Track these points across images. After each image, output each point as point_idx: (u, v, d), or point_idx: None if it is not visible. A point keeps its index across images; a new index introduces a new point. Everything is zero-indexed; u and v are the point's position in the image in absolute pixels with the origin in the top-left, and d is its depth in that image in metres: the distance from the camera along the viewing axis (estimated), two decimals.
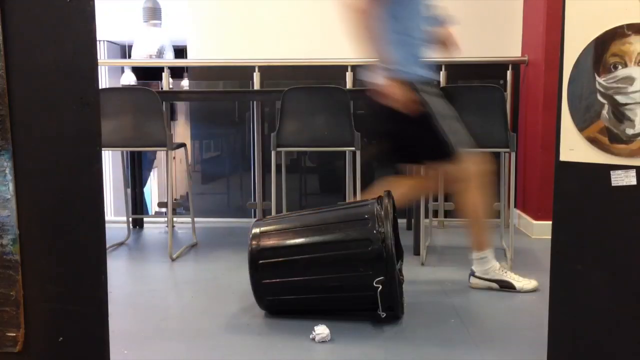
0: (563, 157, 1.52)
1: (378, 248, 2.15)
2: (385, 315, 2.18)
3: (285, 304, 2.31)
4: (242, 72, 4.16)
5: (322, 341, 2.06)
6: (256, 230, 2.30)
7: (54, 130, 1.19)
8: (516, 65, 3.99)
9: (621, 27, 1.42)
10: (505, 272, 2.61)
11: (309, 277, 2.23)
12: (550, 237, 1.57)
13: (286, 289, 2.27)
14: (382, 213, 2.21)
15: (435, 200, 3.95)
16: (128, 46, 7.01)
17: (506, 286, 2.58)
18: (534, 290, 2.55)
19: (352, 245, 2.21)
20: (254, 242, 2.26)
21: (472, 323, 2.24)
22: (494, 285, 2.59)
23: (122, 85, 7.05)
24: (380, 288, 2.13)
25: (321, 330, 2.09)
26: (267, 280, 2.25)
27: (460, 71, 4.12)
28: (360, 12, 2.30)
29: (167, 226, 3.39)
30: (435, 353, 2.00)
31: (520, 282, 2.58)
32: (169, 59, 5.57)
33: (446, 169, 2.47)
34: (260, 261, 2.24)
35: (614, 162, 1.45)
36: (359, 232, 2.21)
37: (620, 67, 1.43)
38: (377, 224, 2.19)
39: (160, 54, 5.51)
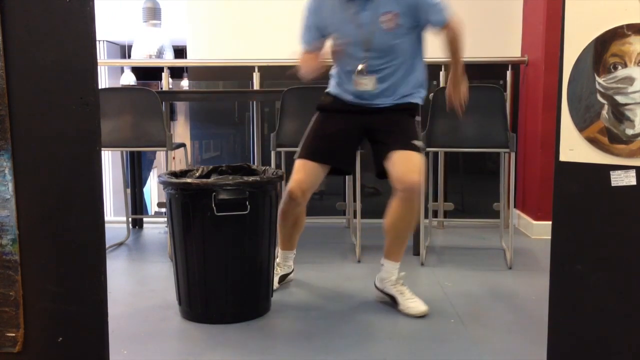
0: (563, 157, 1.52)
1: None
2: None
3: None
4: (241, 72, 4.16)
5: None
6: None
7: (54, 130, 1.19)
8: (516, 65, 3.98)
9: (621, 27, 1.42)
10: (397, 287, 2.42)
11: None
12: (550, 237, 1.57)
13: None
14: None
15: (435, 200, 3.95)
16: (128, 46, 7.01)
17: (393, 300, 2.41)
18: (421, 315, 2.31)
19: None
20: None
21: (471, 323, 2.24)
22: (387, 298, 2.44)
23: (122, 85, 7.04)
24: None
25: None
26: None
27: None
28: None
29: (167, 226, 3.39)
30: (435, 353, 2.00)
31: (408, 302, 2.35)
32: (169, 59, 5.57)
33: None
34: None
35: (614, 162, 1.45)
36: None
37: (620, 67, 1.43)
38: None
39: (159, 54, 5.51)
